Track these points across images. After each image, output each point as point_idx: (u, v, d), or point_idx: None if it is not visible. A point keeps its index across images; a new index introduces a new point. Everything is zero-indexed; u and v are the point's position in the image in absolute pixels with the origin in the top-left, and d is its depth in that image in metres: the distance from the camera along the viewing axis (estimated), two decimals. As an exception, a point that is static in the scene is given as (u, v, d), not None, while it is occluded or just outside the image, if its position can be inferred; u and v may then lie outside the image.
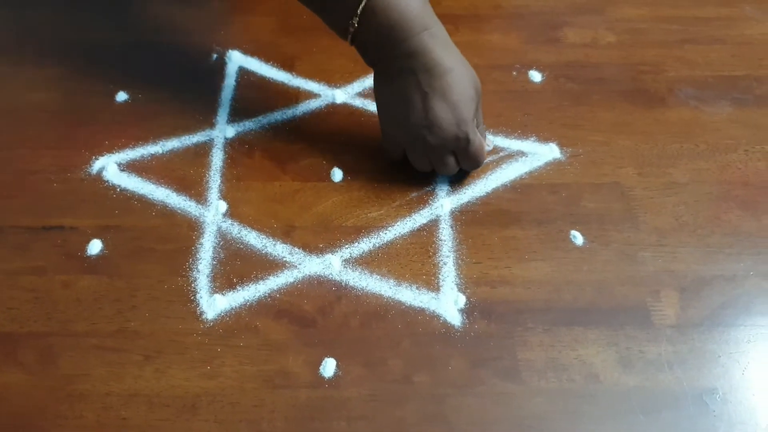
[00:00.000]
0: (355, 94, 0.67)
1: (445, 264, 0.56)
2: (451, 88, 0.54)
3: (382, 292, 0.54)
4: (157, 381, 0.50)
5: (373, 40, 0.55)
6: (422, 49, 0.54)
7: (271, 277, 0.55)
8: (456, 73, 0.55)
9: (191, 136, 0.64)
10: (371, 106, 0.66)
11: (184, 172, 0.61)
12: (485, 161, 0.59)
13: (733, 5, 0.77)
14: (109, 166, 0.61)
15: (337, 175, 0.61)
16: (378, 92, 0.58)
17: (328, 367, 0.50)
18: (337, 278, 0.55)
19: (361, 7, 0.53)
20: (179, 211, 0.59)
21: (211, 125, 0.64)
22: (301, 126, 0.65)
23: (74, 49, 0.71)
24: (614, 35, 0.74)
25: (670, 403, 0.49)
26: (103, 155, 0.62)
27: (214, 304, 0.53)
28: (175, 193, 0.60)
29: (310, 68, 0.69)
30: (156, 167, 0.61)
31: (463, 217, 0.59)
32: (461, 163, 0.58)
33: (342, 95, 0.67)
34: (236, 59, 0.70)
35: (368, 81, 0.68)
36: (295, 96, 0.67)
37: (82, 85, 0.68)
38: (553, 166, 0.62)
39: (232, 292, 0.54)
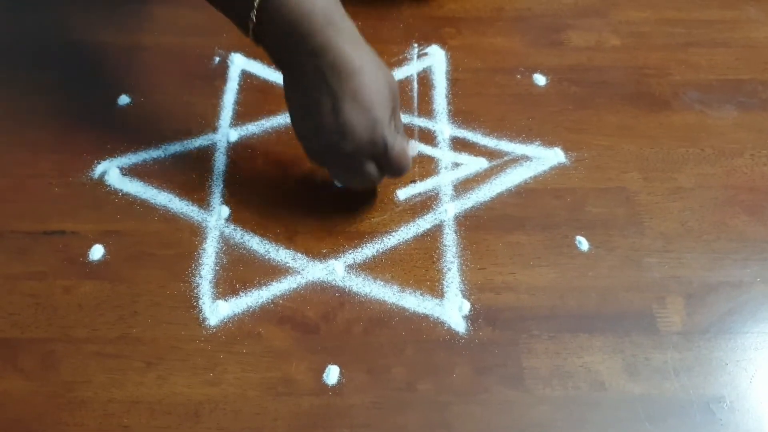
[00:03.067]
0: (358, 97, 0.67)
1: (449, 270, 0.55)
2: (362, 89, 0.50)
3: (386, 299, 0.54)
4: (159, 388, 0.49)
5: (276, 36, 0.50)
6: (329, 46, 0.49)
7: (273, 283, 0.54)
8: (367, 72, 0.50)
9: (194, 140, 0.63)
10: (374, 110, 0.65)
11: (186, 177, 0.61)
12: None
13: (737, 8, 0.77)
14: (111, 171, 0.61)
15: (340, 179, 0.61)
16: (288, 98, 0.54)
17: (332, 374, 0.50)
18: (341, 284, 0.55)
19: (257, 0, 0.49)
20: (181, 216, 0.58)
21: (214, 129, 0.64)
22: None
23: (75, 52, 0.71)
24: (618, 38, 0.73)
25: (676, 411, 0.49)
26: (104, 159, 0.62)
27: (216, 310, 0.53)
28: (177, 198, 0.59)
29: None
30: (158, 171, 0.61)
31: (467, 222, 0.58)
32: (385, 170, 0.54)
33: (345, 99, 0.66)
34: (239, 62, 0.70)
35: (371, 84, 0.67)
36: (298, 99, 0.67)
37: (83, 88, 0.67)
38: (558, 170, 0.62)
39: (234, 298, 0.54)
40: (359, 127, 0.50)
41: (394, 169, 0.54)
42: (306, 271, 0.55)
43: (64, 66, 0.69)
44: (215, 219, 0.58)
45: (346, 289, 0.54)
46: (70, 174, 0.61)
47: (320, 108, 0.51)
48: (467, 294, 0.54)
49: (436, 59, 0.70)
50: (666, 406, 0.49)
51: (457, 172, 0.62)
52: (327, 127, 0.51)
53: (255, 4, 0.49)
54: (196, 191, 0.60)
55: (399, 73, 0.69)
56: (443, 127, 0.65)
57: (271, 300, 0.54)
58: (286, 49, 0.51)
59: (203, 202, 0.59)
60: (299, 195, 0.60)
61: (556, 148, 0.63)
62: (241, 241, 0.57)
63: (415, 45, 0.72)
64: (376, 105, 0.51)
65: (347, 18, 0.51)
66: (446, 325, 0.52)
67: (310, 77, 0.50)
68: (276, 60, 0.53)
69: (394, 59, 0.70)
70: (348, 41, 0.50)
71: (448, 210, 0.59)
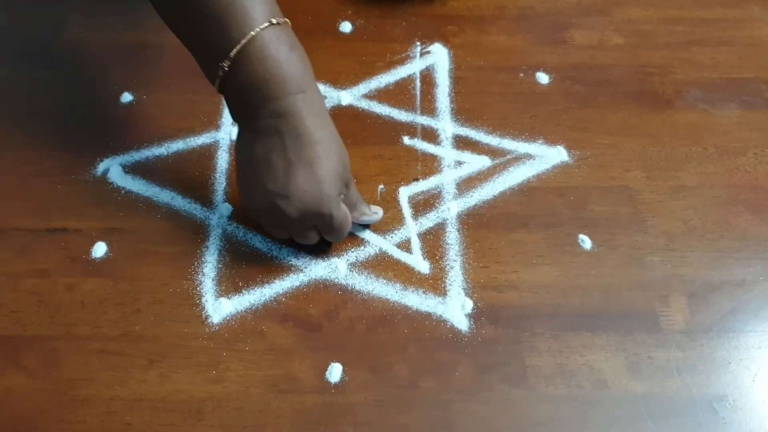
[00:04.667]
0: (360, 95, 0.67)
1: (451, 268, 0.55)
2: (318, 161, 0.50)
3: (389, 297, 0.54)
4: (162, 385, 0.49)
5: (243, 90, 0.50)
6: (295, 112, 0.49)
7: (276, 281, 0.54)
8: (326, 146, 0.50)
9: (196, 137, 0.63)
10: (377, 108, 0.66)
11: (189, 174, 0.61)
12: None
13: (740, 6, 0.77)
14: (114, 168, 0.61)
15: (342, 177, 0.60)
16: (238, 150, 0.53)
17: (335, 372, 0.50)
18: (343, 282, 0.55)
19: (235, 51, 0.48)
20: (184, 214, 0.58)
21: (216, 127, 0.64)
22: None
23: (78, 50, 0.71)
24: (621, 37, 0.73)
25: (679, 409, 0.49)
26: (107, 157, 0.62)
27: (219, 308, 0.53)
28: (180, 196, 0.59)
29: (315, 69, 0.67)
30: (161, 169, 0.61)
31: (469, 220, 0.58)
32: (324, 234, 0.54)
33: (348, 97, 0.66)
34: (241, 60, 0.69)
35: (374, 82, 0.68)
36: (301, 97, 0.67)
37: (86, 86, 0.67)
38: (561, 169, 0.62)
39: (237, 296, 0.54)
40: (307, 197, 0.50)
41: (334, 235, 0.53)
42: (308, 269, 0.55)
43: (67, 64, 0.69)
44: (218, 217, 0.58)
45: (349, 287, 0.54)
46: (72, 172, 0.61)
47: (272, 170, 0.50)
48: (470, 292, 0.54)
49: (438, 57, 0.70)
50: (669, 404, 0.49)
51: (459, 170, 0.62)
52: (274, 189, 0.50)
53: (231, 55, 0.49)
54: (198, 189, 0.60)
55: (402, 71, 0.69)
56: (446, 125, 0.65)
57: (274, 298, 0.54)
58: (249, 105, 0.50)
59: (206, 200, 0.59)
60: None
61: (558, 147, 0.63)
62: (244, 238, 0.57)
63: (418, 43, 0.71)
64: (328, 179, 0.50)
65: (318, 90, 0.52)
66: (449, 323, 0.52)
67: (267, 137, 0.50)
68: (235, 112, 0.53)
69: (397, 57, 0.70)
70: (314, 112, 0.50)
71: (451, 208, 0.59)
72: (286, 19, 0.51)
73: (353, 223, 0.54)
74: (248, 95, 0.50)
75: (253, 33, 0.48)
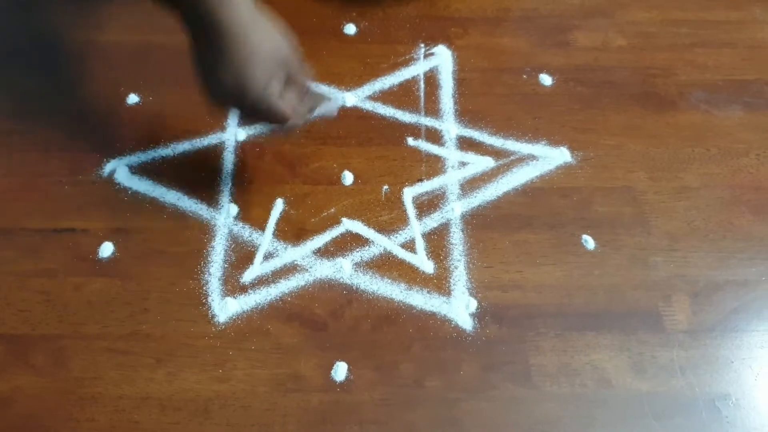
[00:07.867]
0: (365, 97, 0.67)
1: (456, 268, 0.56)
2: (238, 54, 0.51)
3: (393, 296, 0.54)
4: (169, 384, 0.50)
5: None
6: (212, 11, 0.51)
7: (282, 281, 0.55)
8: (250, 39, 0.51)
9: (202, 139, 0.64)
10: (381, 110, 0.66)
11: (195, 175, 0.61)
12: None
13: (742, 8, 0.77)
14: (120, 169, 0.61)
15: (347, 178, 0.61)
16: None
17: (340, 370, 0.50)
18: (348, 282, 0.55)
19: None
20: (191, 214, 0.59)
21: (222, 128, 0.64)
22: (311, 129, 0.64)
23: (85, 52, 0.71)
24: (624, 39, 0.74)
25: (682, 408, 0.49)
26: (114, 158, 0.62)
27: (225, 308, 0.53)
28: (186, 196, 0.60)
29: (320, 71, 0.69)
30: (167, 170, 0.61)
31: (473, 221, 0.59)
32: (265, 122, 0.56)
33: (352, 98, 0.67)
34: (246, 62, 0.70)
35: (378, 84, 0.68)
36: (306, 99, 0.67)
37: (92, 87, 0.68)
38: (564, 169, 0.62)
39: (243, 296, 0.54)
40: (227, 88, 0.52)
41: (270, 119, 0.54)
42: (314, 268, 0.56)
43: (74, 65, 0.70)
44: (224, 217, 0.58)
45: (354, 287, 0.55)
46: (79, 172, 0.61)
47: (200, 64, 0.54)
48: (474, 292, 0.54)
49: (442, 59, 0.71)
50: (672, 403, 0.49)
51: (463, 171, 0.62)
52: (201, 80, 0.54)
53: None
54: (204, 189, 0.60)
55: (406, 73, 0.69)
56: (450, 126, 0.65)
57: (280, 297, 0.54)
58: (181, 5, 0.53)
59: (212, 200, 0.59)
60: (306, 193, 0.60)
61: (562, 148, 0.64)
62: (250, 238, 0.57)
63: (422, 45, 0.72)
64: (250, 69, 0.51)
65: None
66: (453, 322, 0.53)
67: (199, 38, 0.53)
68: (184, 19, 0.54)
69: (401, 59, 0.70)
70: (238, 10, 0.51)
71: (455, 209, 0.59)
72: None
73: (311, 110, 0.56)
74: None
75: None
